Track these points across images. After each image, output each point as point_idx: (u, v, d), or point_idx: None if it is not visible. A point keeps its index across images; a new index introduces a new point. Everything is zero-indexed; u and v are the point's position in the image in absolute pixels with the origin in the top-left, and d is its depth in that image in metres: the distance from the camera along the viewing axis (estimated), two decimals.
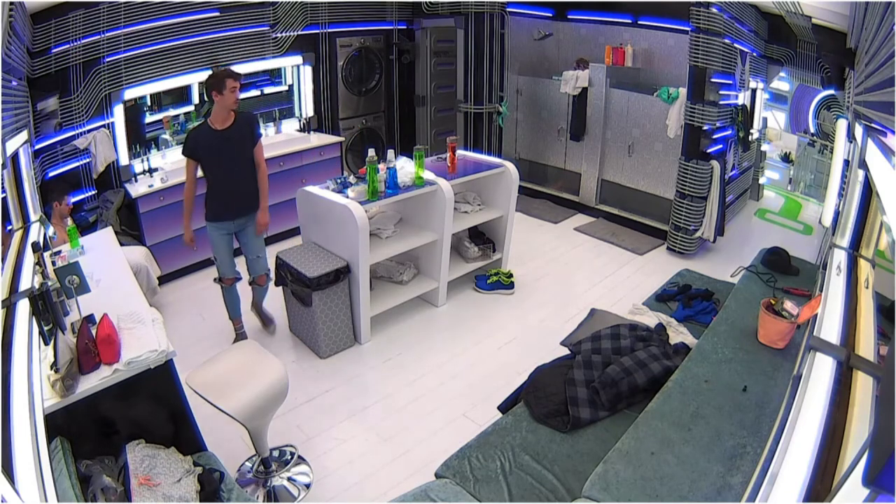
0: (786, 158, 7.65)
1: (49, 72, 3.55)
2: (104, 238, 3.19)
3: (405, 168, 3.47)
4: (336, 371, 3.16)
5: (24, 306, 1.60)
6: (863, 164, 1.54)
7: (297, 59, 4.98)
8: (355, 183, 3.40)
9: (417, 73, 5.64)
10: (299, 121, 5.21)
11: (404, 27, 5.65)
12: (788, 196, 6.80)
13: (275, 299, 3.57)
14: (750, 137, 5.26)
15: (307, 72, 5.10)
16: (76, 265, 2.02)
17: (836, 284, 1.67)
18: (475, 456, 1.98)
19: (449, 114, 5.71)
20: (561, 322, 3.50)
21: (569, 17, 5.49)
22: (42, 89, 3.54)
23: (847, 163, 2.51)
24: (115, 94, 3.92)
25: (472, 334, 3.52)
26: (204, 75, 4.38)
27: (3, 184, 1.98)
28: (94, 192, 3.92)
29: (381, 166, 3.35)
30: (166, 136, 4.40)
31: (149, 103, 4.28)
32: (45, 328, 1.71)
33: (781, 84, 7.40)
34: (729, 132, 4.59)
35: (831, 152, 4.13)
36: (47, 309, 1.70)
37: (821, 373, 1.24)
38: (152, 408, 2.00)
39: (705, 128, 4.23)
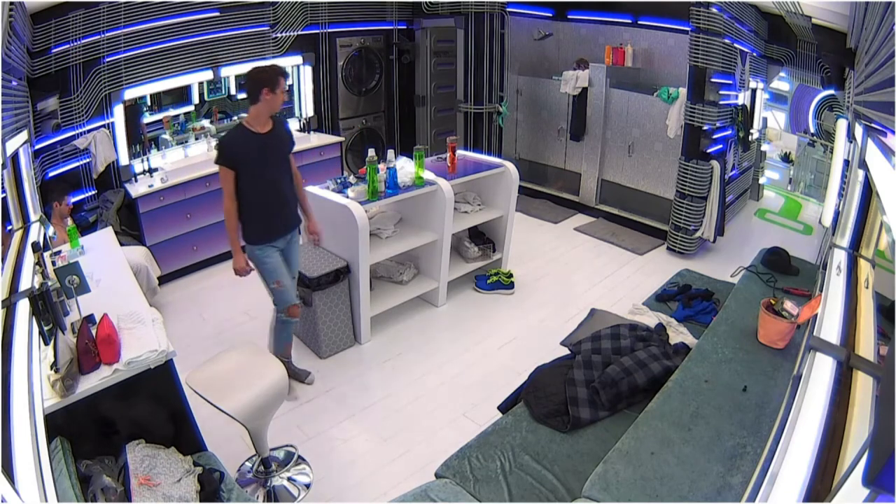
0: (786, 158, 7.65)
1: (49, 72, 3.55)
2: (104, 238, 3.19)
3: (405, 168, 3.47)
4: (336, 371, 3.16)
5: (24, 306, 1.60)
6: (863, 164, 1.54)
7: (297, 59, 4.99)
8: (355, 183, 3.40)
9: (417, 73, 5.64)
10: (299, 121, 5.21)
11: (404, 27, 5.65)
12: (788, 196, 6.80)
13: None
14: (750, 137, 5.26)
15: (307, 72, 5.10)
16: (76, 265, 2.02)
17: (836, 284, 1.67)
18: (475, 456, 1.98)
19: (449, 114, 5.71)
20: (561, 322, 3.50)
21: (569, 17, 5.49)
22: (42, 89, 3.54)
23: (847, 163, 2.51)
24: (115, 94, 3.92)
25: (472, 334, 3.52)
26: (203, 75, 4.40)
27: (3, 184, 1.98)
28: (94, 192, 3.92)
29: (381, 166, 3.35)
30: (166, 136, 4.40)
31: (149, 103, 4.27)
32: (45, 328, 1.71)
33: (781, 84, 7.39)
34: (729, 132, 4.59)
35: (832, 152, 4.13)
36: (47, 309, 1.70)
37: (821, 373, 1.24)
38: (152, 408, 2.00)
39: (705, 128, 4.23)
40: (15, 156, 2.35)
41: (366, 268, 3.21)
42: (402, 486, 2.13)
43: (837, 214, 2.31)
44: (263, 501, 2.34)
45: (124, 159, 4.06)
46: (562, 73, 5.21)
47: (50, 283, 1.75)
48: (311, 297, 3.09)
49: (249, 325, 3.60)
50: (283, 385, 2.16)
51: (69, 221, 3.17)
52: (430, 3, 5.28)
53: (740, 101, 4.75)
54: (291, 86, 5.15)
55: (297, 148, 4.57)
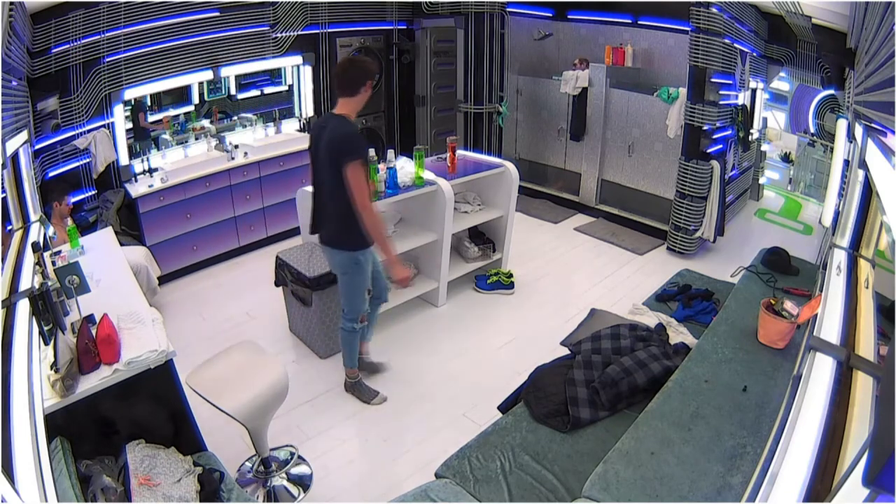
0: (786, 158, 7.65)
1: (49, 72, 3.55)
2: (104, 238, 3.19)
3: (405, 168, 3.47)
4: (336, 371, 3.16)
5: (24, 306, 1.60)
6: (863, 164, 1.54)
7: (297, 59, 4.98)
8: None
9: (417, 73, 5.63)
10: (299, 121, 5.20)
11: (404, 27, 5.65)
12: (788, 196, 6.80)
13: (275, 299, 3.58)
14: (750, 137, 5.26)
15: (307, 72, 5.10)
16: (76, 265, 2.02)
17: (836, 284, 1.67)
18: (475, 456, 1.98)
19: (449, 114, 5.71)
20: (561, 322, 3.50)
21: (569, 17, 5.49)
22: (42, 89, 3.54)
23: (847, 163, 2.51)
24: (115, 94, 3.92)
25: (472, 334, 3.52)
26: (203, 75, 4.40)
27: (3, 184, 1.98)
28: (94, 192, 3.92)
29: (381, 166, 3.34)
30: (166, 136, 4.40)
31: (149, 103, 4.27)
32: (45, 328, 1.71)
33: (781, 84, 7.39)
34: (729, 132, 4.59)
35: (831, 152, 4.13)
36: (47, 309, 1.70)
37: (821, 373, 1.24)
38: (152, 408, 2.00)
39: (705, 128, 4.23)
40: (15, 156, 2.35)
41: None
42: (402, 486, 2.13)
43: (837, 214, 2.31)
44: (263, 501, 2.34)
45: (124, 159, 4.06)
46: (562, 73, 5.21)
47: (50, 283, 1.75)
48: (311, 296, 3.09)
49: (249, 325, 3.60)
50: (284, 385, 2.16)
51: (69, 221, 3.17)
52: (430, 3, 5.28)
53: (740, 101, 4.75)
54: (291, 86, 5.15)
55: (296, 148, 4.68)
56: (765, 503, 1.03)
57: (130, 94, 4.02)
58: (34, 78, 3.47)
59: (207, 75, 4.43)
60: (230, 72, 4.57)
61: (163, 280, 3.95)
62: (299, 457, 2.52)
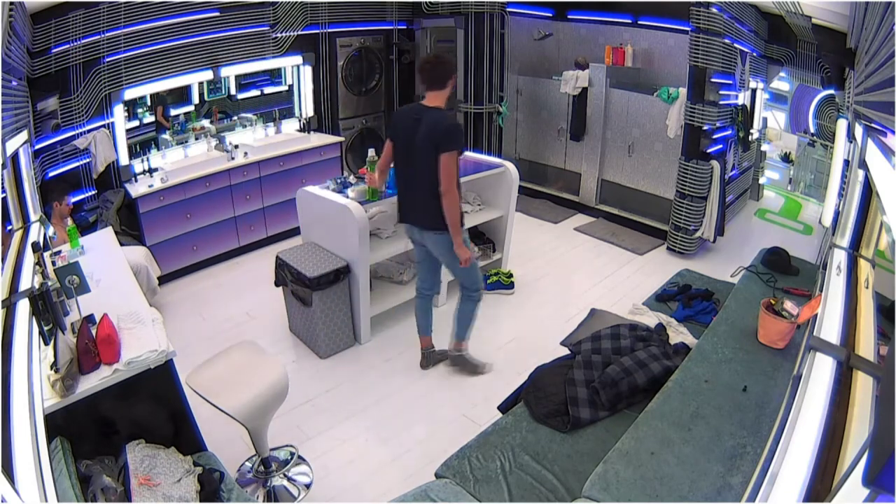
0: (786, 158, 7.65)
1: (49, 72, 3.55)
2: (104, 238, 3.19)
3: None
4: (336, 371, 3.16)
5: (24, 306, 1.60)
6: (863, 164, 1.54)
7: (297, 59, 4.98)
8: (355, 183, 3.40)
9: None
10: (299, 121, 5.20)
11: (404, 27, 5.65)
12: (788, 196, 6.80)
13: (275, 299, 3.58)
14: (750, 137, 5.25)
15: (307, 72, 5.10)
16: (76, 265, 2.02)
17: (836, 284, 1.67)
18: (475, 456, 1.98)
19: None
20: (561, 322, 3.50)
21: (569, 17, 5.48)
22: (42, 89, 3.54)
23: (847, 163, 2.51)
24: (115, 94, 3.92)
25: (472, 334, 3.51)
26: (203, 75, 4.40)
27: (3, 184, 1.98)
28: (94, 192, 3.92)
29: None
30: (166, 136, 4.40)
31: (148, 103, 4.28)
32: (45, 328, 1.71)
33: (781, 84, 7.39)
34: (729, 132, 4.59)
35: (831, 152, 4.13)
36: (47, 309, 1.70)
37: (821, 373, 1.24)
38: (152, 408, 2.00)
39: (705, 128, 4.23)
40: (15, 156, 2.35)
41: (366, 268, 3.21)
42: (402, 486, 2.13)
43: (837, 214, 2.31)
44: (263, 501, 2.34)
45: (124, 159, 4.06)
46: (562, 73, 5.21)
47: (50, 283, 1.75)
48: (311, 296, 3.09)
49: (249, 325, 3.60)
50: (284, 385, 2.16)
51: (69, 221, 3.17)
52: (430, 3, 5.28)
53: (740, 101, 4.75)
54: (291, 86, 5.15)
55: (296, 148, 4.69)
56: (765, 503, 1.03)
57: (130, 93, 4.02)
58: (34, 78, 3.47)
59: (207, 75, 4.44)
60: (230, 72, 4.58)
61: (163, 280, 3.95)
62: (299, 457, 2.52)
